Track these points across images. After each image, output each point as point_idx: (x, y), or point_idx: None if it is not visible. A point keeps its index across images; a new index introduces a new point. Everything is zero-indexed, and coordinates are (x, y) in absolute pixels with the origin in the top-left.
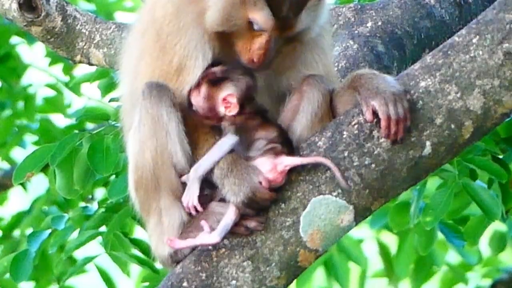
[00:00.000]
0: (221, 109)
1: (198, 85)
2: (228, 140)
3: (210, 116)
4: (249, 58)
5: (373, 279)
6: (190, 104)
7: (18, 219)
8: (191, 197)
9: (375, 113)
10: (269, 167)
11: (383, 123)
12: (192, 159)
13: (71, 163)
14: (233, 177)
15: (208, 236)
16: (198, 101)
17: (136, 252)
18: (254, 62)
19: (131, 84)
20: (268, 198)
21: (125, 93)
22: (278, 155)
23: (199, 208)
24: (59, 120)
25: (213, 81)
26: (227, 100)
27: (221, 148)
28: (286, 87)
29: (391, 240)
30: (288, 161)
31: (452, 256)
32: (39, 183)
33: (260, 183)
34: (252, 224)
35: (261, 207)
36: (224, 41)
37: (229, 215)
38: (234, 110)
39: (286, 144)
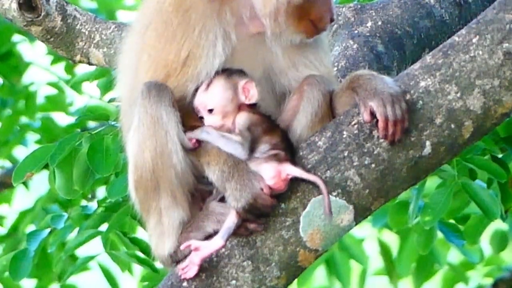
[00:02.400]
0: (242, 97)
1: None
2: (236, 145)
3: (227, 112)
4: (327, 19)
5: (373, 279)
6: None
7: (23, 218)
8: None
9: (373, 114)
10: (273, 173)
11: (380, 124)
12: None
13: (71, 163)
14: (235, 182)
15: (211, 243)
16: (216, 91)
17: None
18: (331, 20)
19: (130, 84)
20: (269, 205)
21: (124, 93)
22: (281, 162)
23: None
24: (61, 118)
25: (228, 72)
26: (247, 87)
27: (226, 143)
28: (286, 87)
29: (392, 239)
30: (291, 171)
31: (454, 255)
32: (42, 181)
33: (262, 189)
34: (252, 225)
35: (262, 213)
36: (293, 19)
37: (231, 218)
38: (254, 97)
39: (288, 150)
